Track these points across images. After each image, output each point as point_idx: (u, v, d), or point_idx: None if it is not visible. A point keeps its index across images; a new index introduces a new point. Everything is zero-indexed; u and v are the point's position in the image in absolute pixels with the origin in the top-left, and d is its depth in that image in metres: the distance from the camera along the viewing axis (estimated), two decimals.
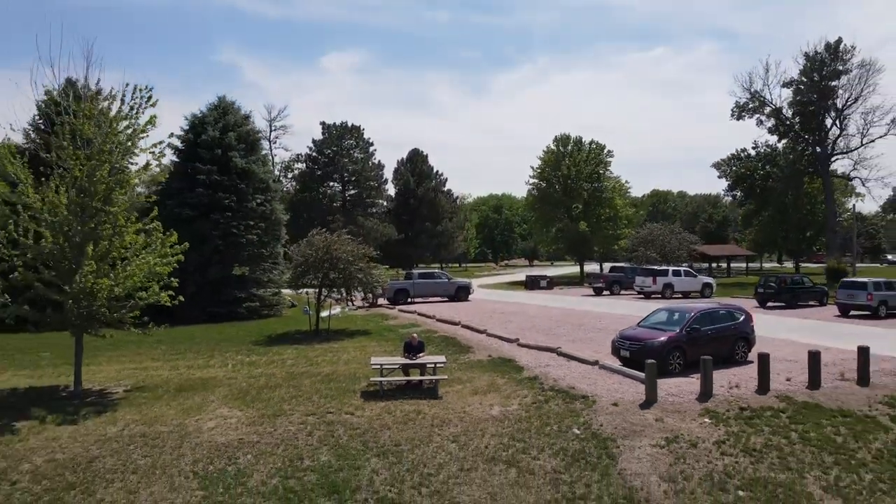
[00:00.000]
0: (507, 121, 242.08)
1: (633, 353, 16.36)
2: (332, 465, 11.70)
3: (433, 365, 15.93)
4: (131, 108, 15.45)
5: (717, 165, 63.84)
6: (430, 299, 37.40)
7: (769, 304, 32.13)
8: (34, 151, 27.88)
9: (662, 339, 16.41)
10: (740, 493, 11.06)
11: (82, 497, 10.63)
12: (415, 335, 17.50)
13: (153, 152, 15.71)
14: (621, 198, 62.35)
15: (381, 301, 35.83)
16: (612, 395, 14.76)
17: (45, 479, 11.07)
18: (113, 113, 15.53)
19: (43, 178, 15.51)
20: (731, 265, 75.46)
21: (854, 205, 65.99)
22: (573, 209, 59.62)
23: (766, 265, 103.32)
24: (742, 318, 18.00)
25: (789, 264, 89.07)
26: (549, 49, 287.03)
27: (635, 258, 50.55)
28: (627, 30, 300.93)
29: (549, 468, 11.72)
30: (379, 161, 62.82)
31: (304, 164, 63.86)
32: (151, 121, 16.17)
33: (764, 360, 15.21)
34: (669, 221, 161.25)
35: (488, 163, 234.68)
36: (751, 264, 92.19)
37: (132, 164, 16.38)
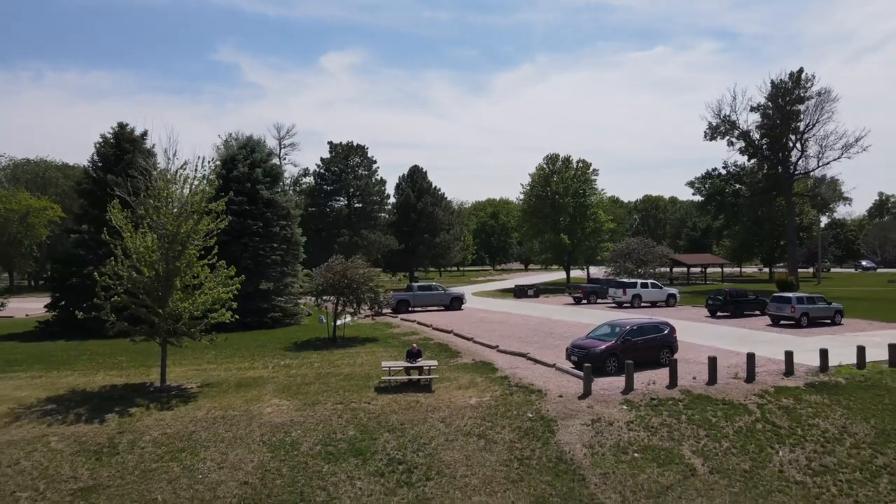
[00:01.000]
0: (507, 120, 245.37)
1: (580, 358, 21.41)
2: (356, 437, 16.79)
3: (428, 367, 21.00)
4: (203, 177, 20.47)
5: (690, 183, 69.01)
6: (429, 308, 42.41)
7: (718, 314, 37.19)
8: (100, 180, 33.08)
9: (602, 347, 21.50)
10: (636, 455, 16.18)
11: (191, 456, 15.73)
12: (415, 345, 22.57)
13: (216, 211, 20.75)
14: (605, 212, 67.51)
15: (385, 310, 40.70)
16: (560, 389, 19.83)
17: (162, 446, 16.17)
18: (189, 179, 20.48)
19: (133, 225, 20.48)
20: (709, 272, 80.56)
21: (823, 217, 71.24)
22: (560, 222, 64.75)
23: (749, 270, 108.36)
24: (667, 331, 23.09)
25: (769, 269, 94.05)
26: (549, 48, 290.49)
27: (614, 269, 55.67)
28: (627, 29, 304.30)
29: (507, 439, 16.82)
30: (381, 177, 68.17)
31: (314, 180, 68.98)
32: (213, 184, 21.29)
33: (673, 363, 20.34)
34: (660, 226, 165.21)
35: (488, 162, 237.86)
36: (732, 269, 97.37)
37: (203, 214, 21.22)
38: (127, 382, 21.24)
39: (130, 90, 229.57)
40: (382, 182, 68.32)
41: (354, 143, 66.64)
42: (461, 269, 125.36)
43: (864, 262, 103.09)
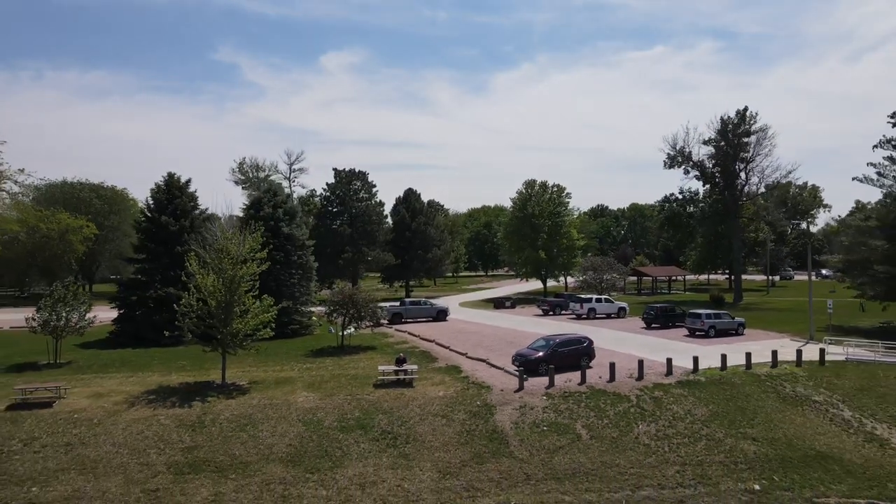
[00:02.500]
0: (507, 119, 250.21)
1: (520, 363, 29.49)
2: (360, 417, 24.89)
3: (410, 370, 29.08)
4: (251, 232, 28.57)
5: (652, 207, 77.10)
6: (419, 320, 50.44)
7: (652, 325, 45.25)
8: (155, 219, 41.14)
9: (535, 356, 29.62)
10: (544, 428, 24.30)
11: (253, 428, 23.83)
12: (402, 354, 30.67)
13: (260, 259, 28.91)
14: (577, 231, 75.77)
15: (382, 321, 48.68)
16: (503, 385, 27.91)
17: (233, 422, 24.27)
18: (242, 239, 28.59)
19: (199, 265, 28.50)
20: (680, 280, 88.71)
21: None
22: (538, 240, 72.91)
23: (722, 277, 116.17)
24: (586, 344, 31.21)
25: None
26: (549, 48, 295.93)
27: (582, 283, 63.79)
28: (626, 29, 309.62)
29: (461, 418, 24.92)
30: (380, 200, 76.34)
31: (320, 203, 77.14)
32: (258, 239, 29.46)
33: (584, 368, 28.49)
34: (644, 234, 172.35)
35: (488, 161, 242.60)
36: (703, 277, 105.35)
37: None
38: (196, 381, 29.31)
39: (130, 90, 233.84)
40: (381, 204, 76.57)
41: (356, 170, 74.88)
42: (455, 275, 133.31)
43: (823, 271, 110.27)
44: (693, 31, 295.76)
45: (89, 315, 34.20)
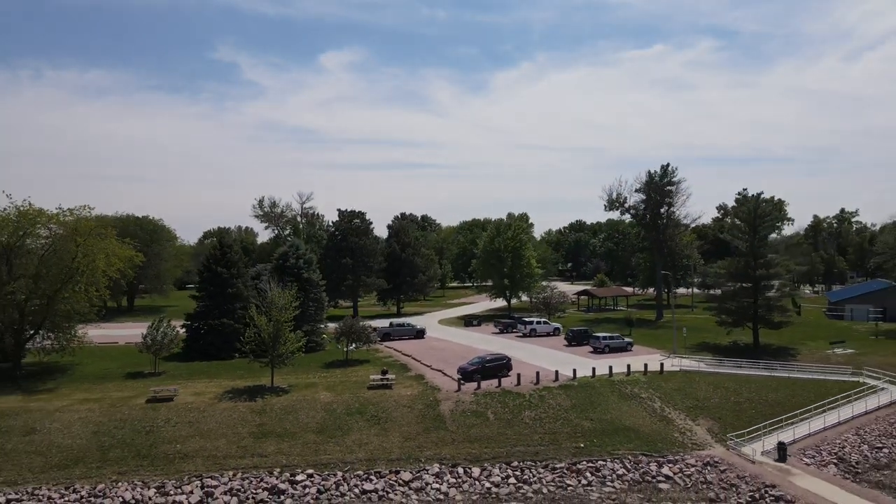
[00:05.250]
0: (506, 118, 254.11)
1: (461, 374, 45.04)
2: (359, 407, 40.40)
3: (391, 378, 44.61)
4: (290, 290, 44.11)
5: (593, 244, 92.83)
6: (403, 338, 65.91)
7: (572, 343, 60.70)
8: (211, 268, 56.57)
9: (471, 368, 45.17)
10: (469, 414, 39.90)
11: (295, 414, 39.28)
12: (385, 367, 46.23)
13: (294, 306, 44.45)
14: (536, 261, 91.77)
15: (375, 340, 63.99)
16: (448, 388, 43.39)
17: (283, 410, 39.72)
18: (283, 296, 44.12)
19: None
20: (628, 298, 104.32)
21: (693, 257, 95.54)
22: (503, 268, 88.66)
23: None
24: (506, 360, 46.73)
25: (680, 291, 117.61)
26: (548, 47, 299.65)
27: (534, 305, 79.49)
28: (626, 27, 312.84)
29: (419, 408, 40.42)
30: (376, 236, 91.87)
31: (326, 236, 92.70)
32: (293, 294, 45.00)
33: (501, 377, 44.06)
34: (619, 249, 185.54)
35: (487, 160, 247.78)
36: (649, 291, 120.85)
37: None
38: (253, 384, 44.76)
39: (130, 89, 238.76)
40: (377, 239, 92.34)
41: (357, 211, 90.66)
42: (444, 287, 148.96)
43: None
44: (692, 29, 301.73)
45: (176, 339, 49.70)
